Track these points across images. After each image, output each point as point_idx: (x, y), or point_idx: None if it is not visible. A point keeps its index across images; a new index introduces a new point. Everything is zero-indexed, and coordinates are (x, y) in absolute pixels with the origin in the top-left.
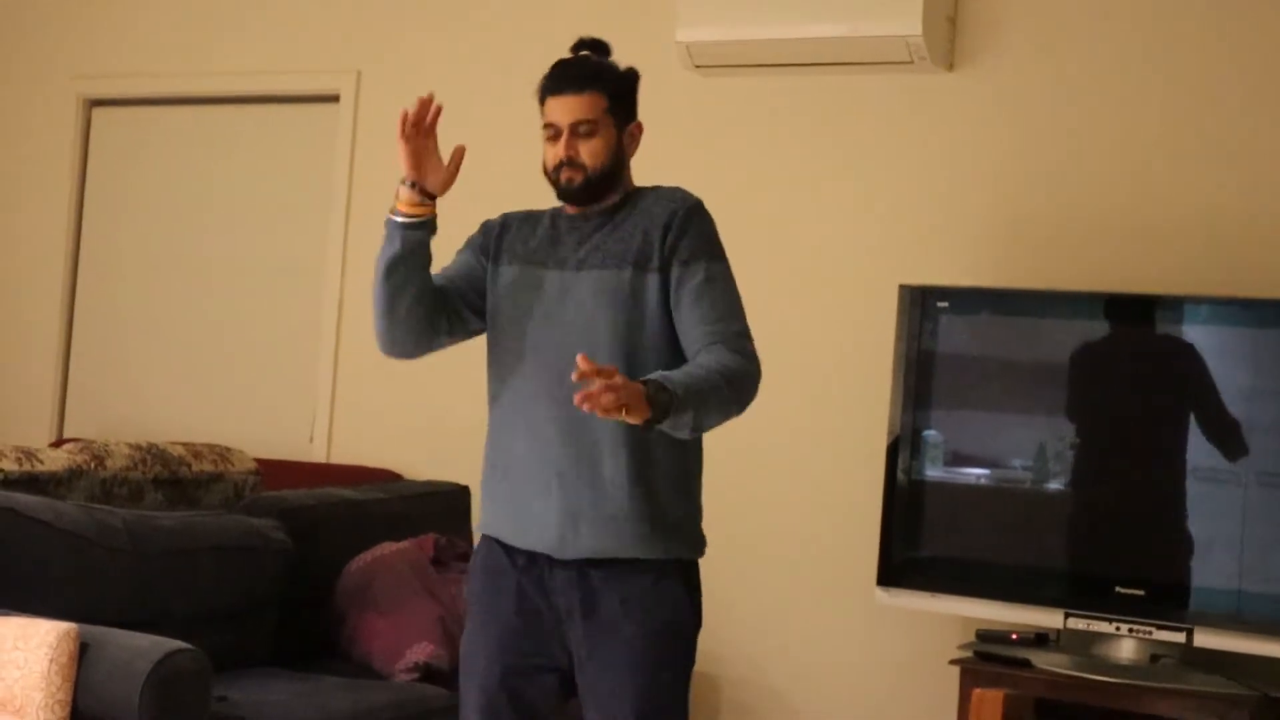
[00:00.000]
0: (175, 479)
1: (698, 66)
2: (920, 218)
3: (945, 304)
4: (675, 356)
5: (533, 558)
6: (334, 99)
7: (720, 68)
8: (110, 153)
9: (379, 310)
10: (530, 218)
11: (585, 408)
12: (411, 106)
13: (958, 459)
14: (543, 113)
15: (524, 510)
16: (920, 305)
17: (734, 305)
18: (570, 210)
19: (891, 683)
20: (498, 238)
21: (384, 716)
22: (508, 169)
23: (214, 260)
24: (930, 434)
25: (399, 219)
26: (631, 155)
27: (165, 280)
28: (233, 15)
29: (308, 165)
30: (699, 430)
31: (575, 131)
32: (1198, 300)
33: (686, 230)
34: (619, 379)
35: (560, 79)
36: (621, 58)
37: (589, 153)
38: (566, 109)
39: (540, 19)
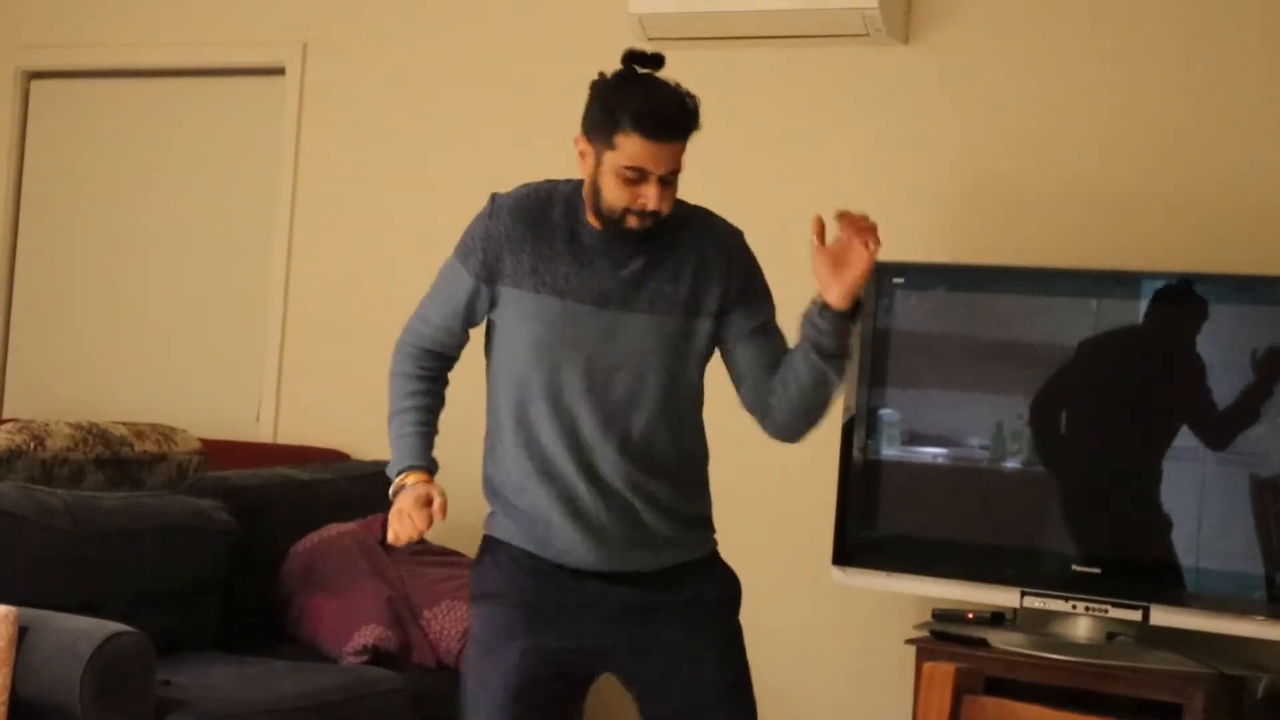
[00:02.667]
0: (117, 459)
1: (651, 39)
2: (875, 192)
3: (901, 280)
4: (698, 402)
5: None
6: (279, 72)
7: (674, 40)
8: (50, 127)
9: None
10: (547, 227)
11: (872, 245)
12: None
13: (915, 438)
14: (615, 142)
15: (556, 541)
16: (876, 282)
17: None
18: (595, 222)
19: (849, 662)
20: (503, 256)
21: (332, 699)
22: (455, 139)
23: (157, 237)
24: (887, 413)
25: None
26: None
27: (107, 257)
28: None
29: (253, 140)
30: (842, 368)
31: (665, 181)
32: (1155, 275)
33: (748, 272)
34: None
35: (664, 122)
36: (574, 30)
37: (669, 203)
38: (664, 158)
39: None
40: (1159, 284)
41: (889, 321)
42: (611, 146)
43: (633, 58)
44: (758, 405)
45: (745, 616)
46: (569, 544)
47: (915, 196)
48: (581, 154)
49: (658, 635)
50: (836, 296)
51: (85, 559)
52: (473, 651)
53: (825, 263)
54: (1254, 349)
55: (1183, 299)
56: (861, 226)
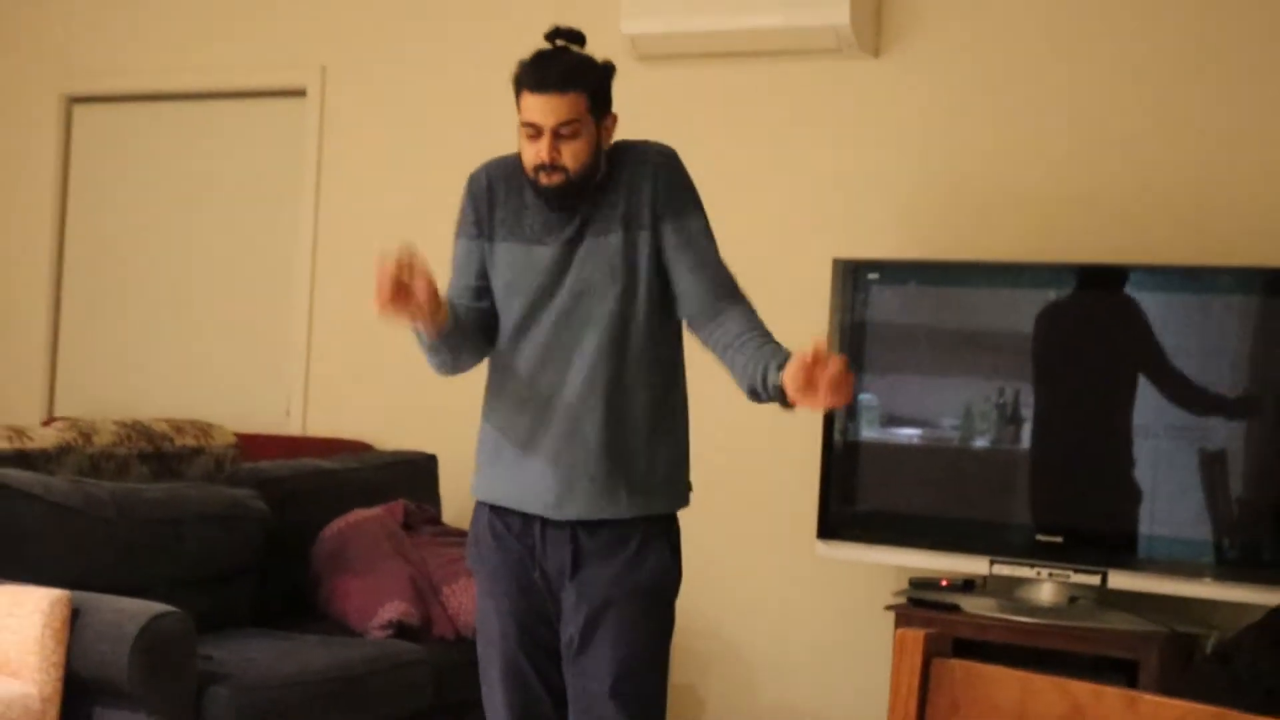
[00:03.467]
0: (159, 453)
1: (642, 57)
2: (851, 195)
3: (876, 276)
4: (663, 314)
5: (527, 522)
6: (301, 93)
7: (663, 58)
8: (91, 146)
9: (441, 369)
10: (516, 181)
11: (837, 401)
12: (385, 275)
13: (891, 420)
14: (519, 106)
15: (525, 476)
16: (852, 277)
17: (718, 255)
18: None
19: (833, 628)
20: (489, 211)
21: (359, 671)
22: (463, 152)
23: (192, 247)
24: (865, 397)
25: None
26: (608, 145)
27: (146, 267)
28: (205, 15)
29: (278, 156)
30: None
31: (558, 134)
32: (1106, 267)
33: (672, 184)
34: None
35: (542, 76)
36: None
37: (571, 155)
38: (549, 110)
39: (496, 13)
40: (1109, 275)
41: (865, 314)
42: (519, 110)
43: (549, 33)
44: (698, 334)
45: (737, 590)
46: (528, 480)
47: (887, 197)
48: None
49: (583, 601)
50: (791, 396)
51: (131, 546)
52: (478, 631)
53: (800, 377)
54: (1195, 332)
55: (1130, 287)
56: (835, 386)
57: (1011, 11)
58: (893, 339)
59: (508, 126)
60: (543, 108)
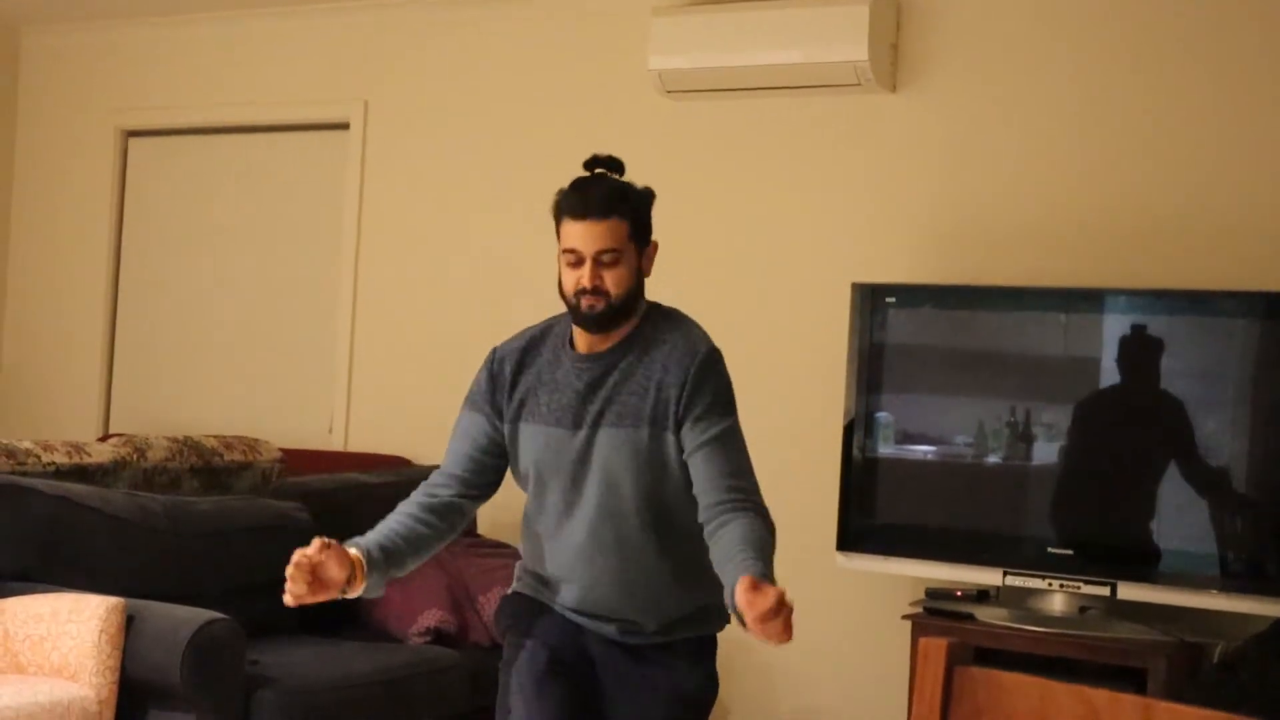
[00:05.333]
0: (209, 468)
1: (669, 91)
2: (869, 223)
3: (893, 300)
4: (691, 508)
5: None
6: (344, 126)
7: (689, 92)
8: (145, 178)
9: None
10: (532, 356)
11: (782, 641)
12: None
13: (906, 437)
14: (560, 233)
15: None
16: (870, 301)
17: (745, 461)
18: (579, 346)
19: (851, 636)
20: (509, 391)
21: (400, 675)
22: (499, 183)
23: (239, 273)
24: (882, 416)
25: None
26: (648, 274)
27: (197, 292)
28: (253, 51)
29: (322, 186)
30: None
31: (599, 260)
32: (1116, 292)
33: (701, 388)
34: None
35: (583, 204)
36: (599, 85)
37: (613, 281)
38: (591, 237)
39: (533, 50)
40: (1119, 299)
41: (882, 336)
42: (559, 238)
43: (589, 162)
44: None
45: None
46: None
47: (904, 225)
48: None
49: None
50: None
51: (183, 555)
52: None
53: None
54: (1200, 353)
55: (1139, 312)
56: (776, 634)
57: (1022, 48)
58: (909, 360)
59: (534, 159)
60: (584, 235)
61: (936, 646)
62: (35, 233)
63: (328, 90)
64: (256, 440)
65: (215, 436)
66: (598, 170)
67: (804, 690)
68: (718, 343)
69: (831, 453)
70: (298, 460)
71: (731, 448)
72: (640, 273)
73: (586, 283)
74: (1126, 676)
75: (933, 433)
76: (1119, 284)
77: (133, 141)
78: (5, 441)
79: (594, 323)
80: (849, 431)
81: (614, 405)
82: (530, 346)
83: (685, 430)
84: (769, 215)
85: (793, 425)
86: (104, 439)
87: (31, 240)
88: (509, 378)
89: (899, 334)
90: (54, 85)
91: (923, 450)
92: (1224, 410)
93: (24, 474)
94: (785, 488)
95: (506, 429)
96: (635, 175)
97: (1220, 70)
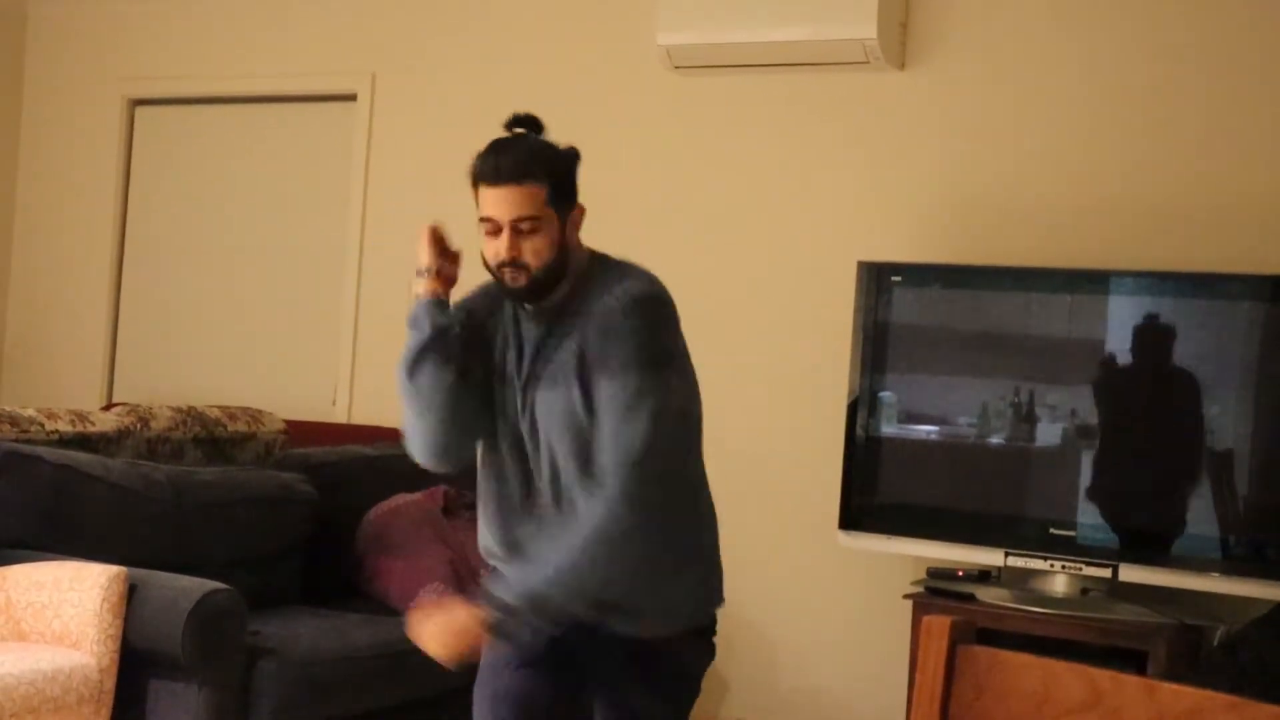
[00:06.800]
0: (212, 438)
1: (677, 67)
2: (875, 201)
3: (898, 278)
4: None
5: None
6: (352, 98)
7: (697, 68)
8: (151, 147)
9: (426, 413)
10: (491, 308)
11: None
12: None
13: (910, 417)
14: (477, 200)
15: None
16: (876, 280)
17: (639, 429)
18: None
19: (853, 615)
20: (472, 347)
21: (400, 648)
22: None
23: (245, 244)
24: (885, 395)
25: (430, 300)
26: (575, 240)
27: (201, 262)
28: (261, 22)
29: (328, 158)
30: (592, 598)
31: (516, 229)
32: (1121, 274)
33: (611, 338)
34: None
35: (496, 168)
36: (608, 59)
37: (532, 251)
38: (505, 204)
39: (541, 22)
40: (1125, 281)
41: (888, 315)
42: (477, 204)
43: (507, 122)
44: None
45: (762, 577)
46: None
47: (910, 204)
48: None
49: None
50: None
51: (186, 526)
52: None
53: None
54: (1206, 336)
55: (1144, 294)
56: (429, 646)
57: (1031, 27)
58: (913, 339)
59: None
60: (499, 201)
61: (940, 624)
62: (41, 202)
63: (335, 61)
64: (260, 411)
65: (219, 407)
66: (516, 130)
67: (805, 669)
68: (724, 325)
69: (835, 431)
70: (301, 432)
71: (628, 413)
72: (565, 239)
73: (505, 254)
74: (1127, 658)
75: (936, 412)
76: (1125, 266)
77: (139, 111)
78: (9, 410)
79: (519, 297)
80: (853, 410)
81: (550, 365)
82: (489, 301)
83: (599, 382)
84: (775, 192)
85: (796, 403)
86: (108, 408)
87: (38, 210)
88: (471, 325)
89: (904, 313)
90: (61, 54)
91: (926, 430)
92: (1228, 393)
93: (28, 442)
94: (788, 466)
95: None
96: (642, 150)
97: (1228, 53)
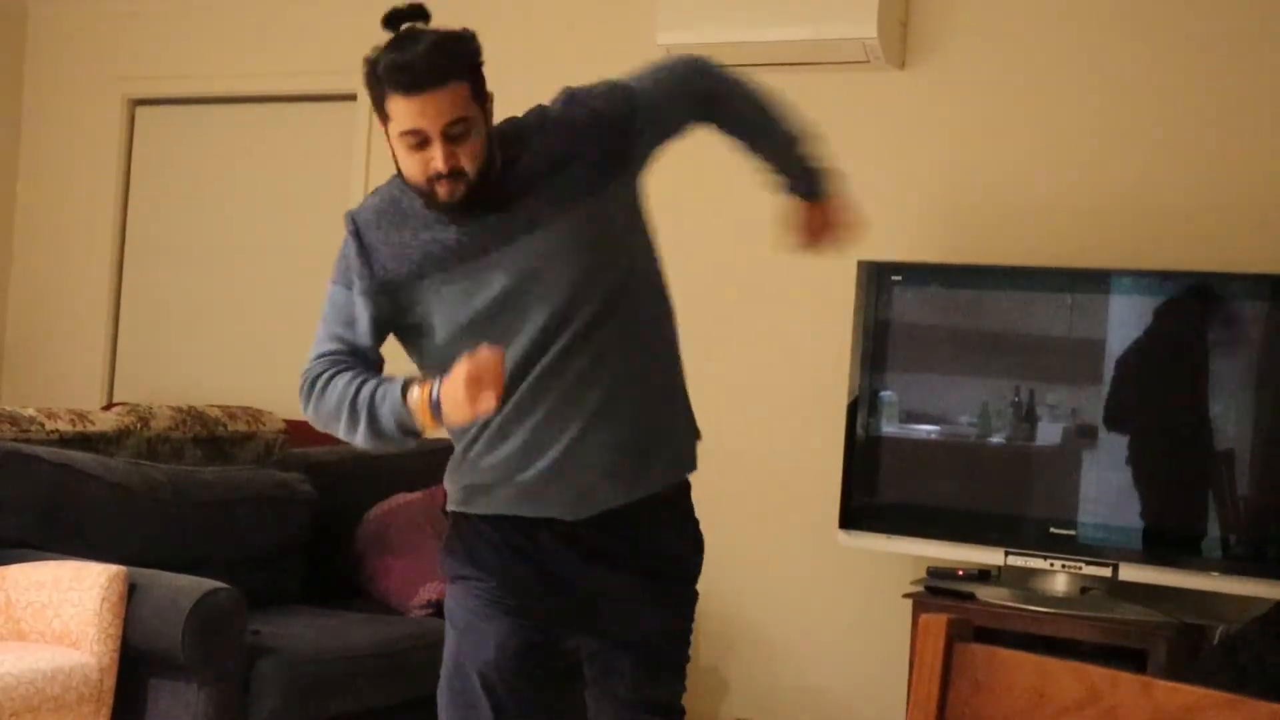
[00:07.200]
0: (212, 438)
1: None
2: (876, 200)
3: (899, 278)
4: (641, 253)
5: (551, 527)
6: (352, 98)
7: None
8: (152, 147)
9: (372, 444)
10: (400, 214)
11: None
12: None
13: (910, 416)
14: (388, 113)
15: (584, 481)
16: (876, 279)
17: (664, 75)
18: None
19: (853, 614)
20: (392, 257)
21: (400, 647)
22: None
23: (245, 243)
24: (886, 394)
25: (419, 427)
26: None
27: (202, 261)
28: (261, 22)
29: (329, 157)
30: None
31: (448, 136)
32: (1122, 273)
33: (591, 114)
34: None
35: (412, 73)
36: (608, 58)
37: (469, 157)
38: (431, 111)
39: (538, 20)
40: (1125, 281)
41: (888, 314)
42: (389, 118)
43: (387, 18)
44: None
45: (762, 577)
46: (543, 494)
47: (910, 203)
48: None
49: (613, 587)
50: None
51: (186, 525)
52: (450, 634)
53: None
54: (1204, 335)
55: (1145, 294)
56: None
57: (1032, 26)
58: (914, 338)
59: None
60: (424, 110)
61: (937, 622)
62: (41, 202)
63: (336, 61)
64: (260, 411)
65: (219, 407)
66: (405, 26)
67: (805, 668)
68: (724, 324)
69: (835, 430)
70: (301, 431)
71: (655, 77)
72: (490, 133)
73: (441, 166)
74: (1127, 657)
75: (936, 412)
76: (1125, 265)
77: (140, 110)
78: (9, 409)
79: (459, 209)
80: (853, 409)
81: (541, 202)
82: (394, 202)
83: (645, 141)
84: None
85: (796, 402)
86: (108, 408)
87: (38, 210)
88: (387, 240)
89: (904, 312)
90: (61, 53)
91: (926, 429)
92: (1228, 393)
93: (27, 441)
94: (788, 465)
95: (404, 297)
96: None
97: (1228, 53)
